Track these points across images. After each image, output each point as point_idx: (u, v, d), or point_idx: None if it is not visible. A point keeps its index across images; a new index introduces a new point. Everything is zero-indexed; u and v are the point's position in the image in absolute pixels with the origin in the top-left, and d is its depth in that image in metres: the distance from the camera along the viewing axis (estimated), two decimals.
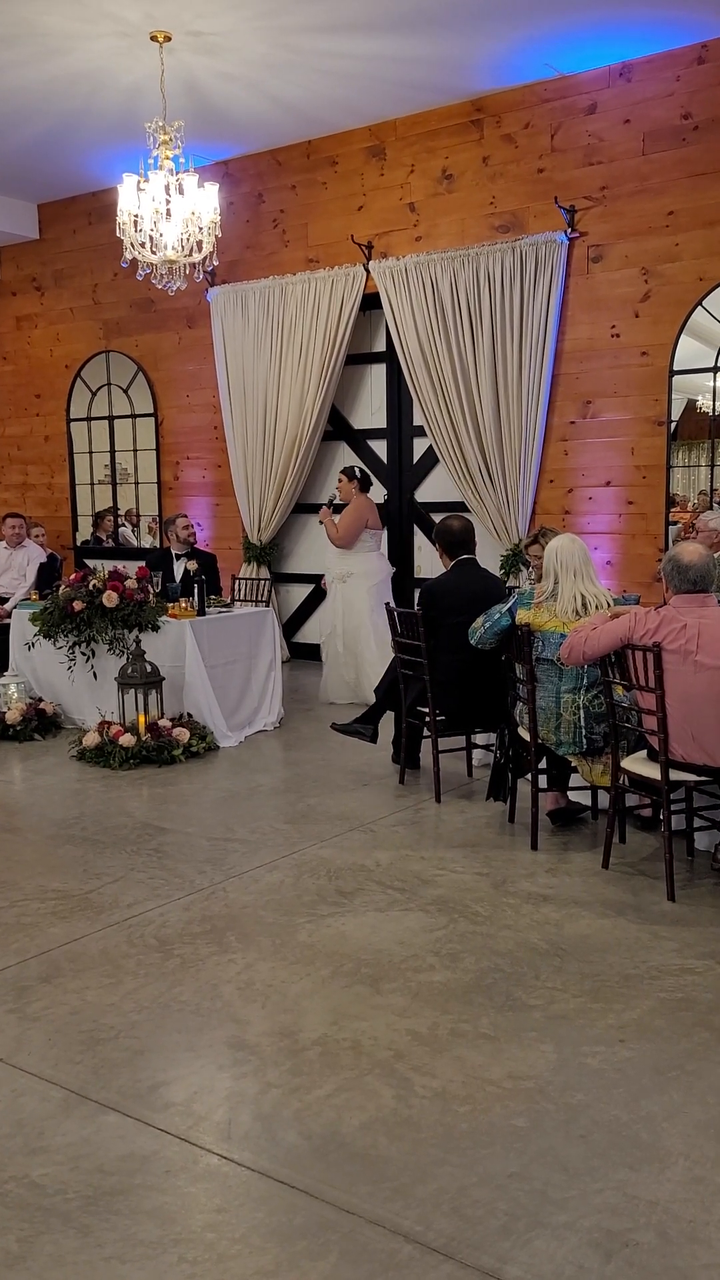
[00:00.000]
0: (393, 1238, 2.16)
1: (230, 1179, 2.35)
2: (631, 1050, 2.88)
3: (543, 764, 4.73)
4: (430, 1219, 2.22)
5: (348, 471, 7.59)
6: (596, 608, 4.46)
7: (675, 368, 7.01)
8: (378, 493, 8.62)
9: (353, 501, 7.42)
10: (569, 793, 4.89)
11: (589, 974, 3.34)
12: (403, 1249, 2.13)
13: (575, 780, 4.82)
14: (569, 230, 7.26)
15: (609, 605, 4.47)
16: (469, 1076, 2.76)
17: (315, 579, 9.01)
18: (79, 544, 10.51)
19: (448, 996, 3.20)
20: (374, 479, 8.03)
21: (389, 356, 8.35)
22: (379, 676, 7.33)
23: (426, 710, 5.29)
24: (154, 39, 6.47)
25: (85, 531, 10.49)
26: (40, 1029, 3.01)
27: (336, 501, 7.50)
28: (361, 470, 7.64)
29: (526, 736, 4.64)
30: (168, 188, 6.42)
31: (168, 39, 6.47)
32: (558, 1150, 2.45)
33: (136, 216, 6.45)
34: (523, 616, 4.60)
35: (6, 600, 8.72)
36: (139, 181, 6.42)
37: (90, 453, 10.33)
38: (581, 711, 4.46)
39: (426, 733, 5.40)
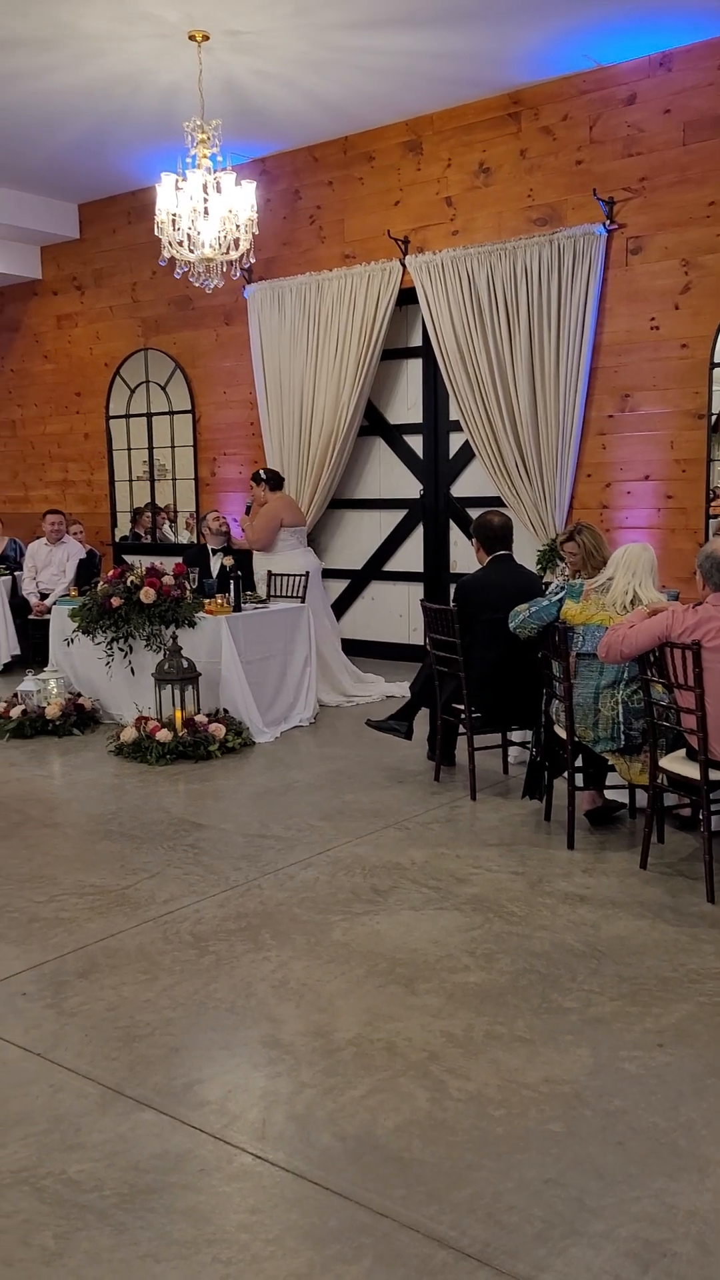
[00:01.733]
0: (427, 1242, 2.16)
1: (264, 1179, 2.35)
2: (670, 1055, 2.85)
3: (579, 762, 4.69)
4: (465, 1224, 2.21)
5: (254, 476, 7.66)
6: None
7: (716, 360, 6.92)
8: (414, 487, 8.61)
9: (268, 502, 7.45)
10: (606, 791, 4.85)
11: (626, 976, 3.31)
12: (437, 1254, 2.13)
13: (613, 779, 4.79)
14: (607, 222, 7.19)
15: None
16: (504, 1080, 2.74)
17: (352, 574, 9.01)
18: (118, 540, 10.58)
19: (483, 998, 3.18)
20: (284, 476, 8.05)
21: (425, 351, 8.32)
22: (340, 667, 7.33)
23: (462, 707, 5.27)
24: (192, 39, 6.48)
25: (124, 528, 10.56)
26: (77, 1025, 3.03)
27: (250, 504, 7.61)
28: (268, 471, 7.69)
29: (563, 734, 4.60)
30: (205, 186, 6.44)
31: (206, 38, 6.48)
32: (594, 1157, 2.43)
33: (174, 215, 6.47)
34: (570, 608, 4.58)
35: (47, 596, 8.81)
36: (177, 180, 6.44)
37: (129, 449, 10.39)
38: (620, 707, 4.42)
39: (462, 730, 5.38)
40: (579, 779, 4.70)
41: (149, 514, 10.35)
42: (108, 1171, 2.37)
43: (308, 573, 7.35)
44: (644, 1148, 2.46)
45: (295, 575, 7.32)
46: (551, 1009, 3.11)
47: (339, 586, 9.13)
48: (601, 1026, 3.01)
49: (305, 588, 7.27)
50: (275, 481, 7.63)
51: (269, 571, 7.47)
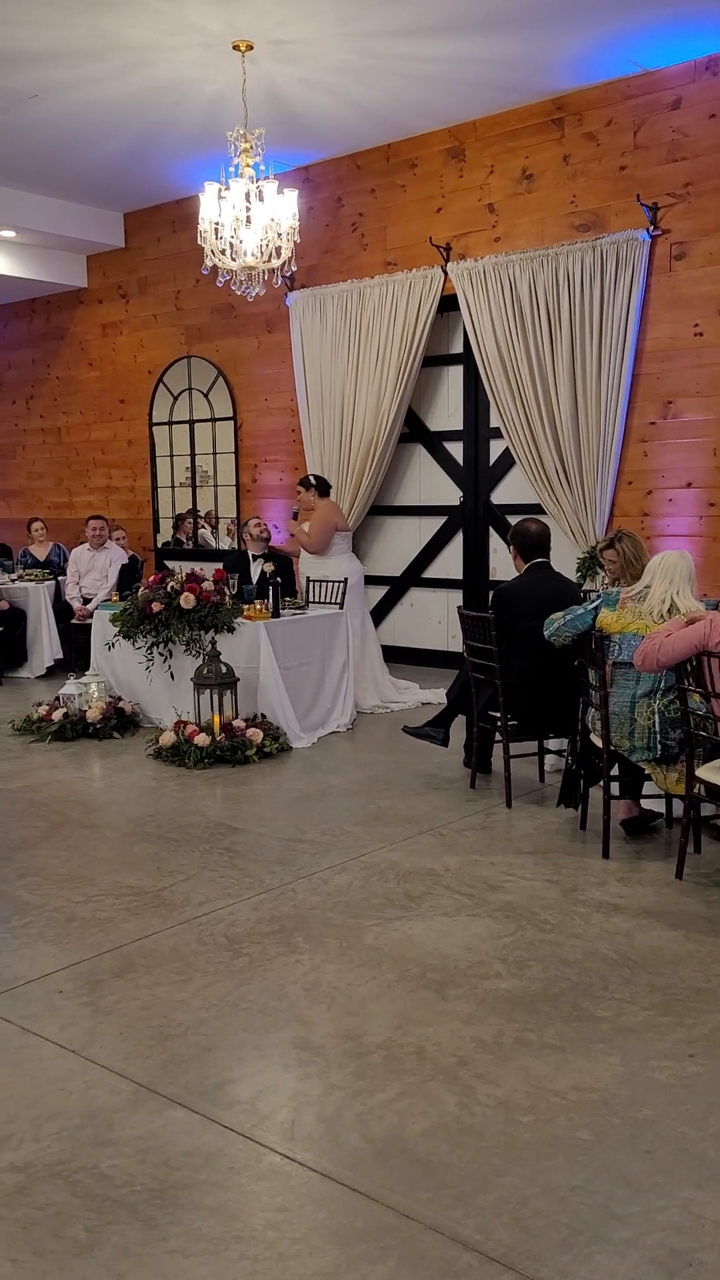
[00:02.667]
0: (452, 1245, 2.17)
1: (292, 1179, 2.37)
2: (701, 1066, 2.84)
3: (615, 771, 4.67)
4: (490, 1228, 2.22)
5: (304, 481, 7.79)
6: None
7: None
8: (454, 494, 8.62)
9: (321, 506, 7.55)
10: (642, 801, 4.83)
11: (659, 986, 3.30)
12: (462, 1257, 2.14)
13: (649, 788, 4.76)
14: (651, 228, 7.16)
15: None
16: (533, 1086, 2.75)
17: (391, 580, 9.04)
18: (160, 546, 10.69)
19: (514, 1005, 3.18)
20: (330, 483, 8.13)
21: (466, 358, 8.33)
22: (373, 679, 7.36)
23: (498, 714, 5.26)
24: (236, 49, 6.55)
25: (166, 533, 10.66)
26: (112, 1023, 3.08)
27: (298, 510, 7.64)
28: (317, 477, 7.81)
29: (599, 743, 4.59)
30: (248, 195, 6.50)
31: (249, 48, 6.55)
32: (622, 1165, 2.43)
33: (217, 224, 6.54)
34: (605, 616, 4.56)
35: (89, 601, 8.93)
36: (220, 189, 6.51)
37: (171, 456, 10.50)
38: (656, 717, 4.40)
39: (498, 737, 5.38)
40: (615, 788, 4.68)
41: (190, 520, 10.45)
42: (139, 1167, 2.41)
43: (346, 579, 7.40)
44: (672, 1157, 2.46)
45: (334, 581, 7.38)
46: (582, 1017, 3.11)
47: (378, 593, 9.15)
48: (632, 1036, 3.00)
49: (344, 593, 7.31)
50: (324, 487, 7.74)
51: (307, 578, 7.54)
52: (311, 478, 7.77)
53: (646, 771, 4.57)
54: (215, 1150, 2.47)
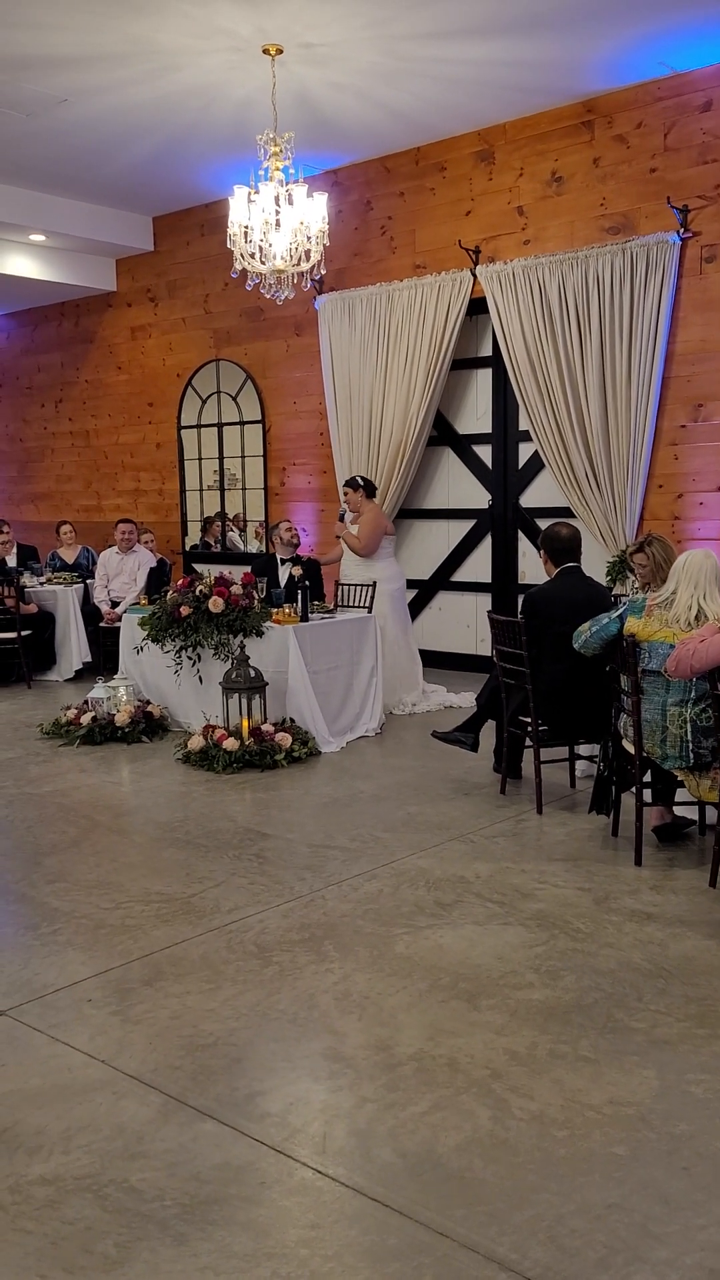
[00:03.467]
0: (487, 1264, 2.13)
1: (324, 1194, 2.35)
2: None
3: (648, 777, 4.62)
4: (526, 1247, 2.18)
5: (351, 482, 7.69)
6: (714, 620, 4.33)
7: None
8: (482, 497, 8.57)
9: (366, 510, 7.53)
10: (675, 808, 4.77)
11: (694, 998, 3.25)
12: (497, 1277, 2.10)
13: (682, 795, 4.70)
14: (681, 230, 7.09)
15: None
16: (568, 1100, 2.70)
17: (420, 583, 9.00)
18: (188, 549, 10.71)
19: (547, 1016, 3.14)
20: (376, 485, 8.09)
21: (495, 361, 8.29)
22: (403, 678, 7.32)
23: (528, 720, 5.22)
24: (265, 52, 6.55)
25: (194, 536, 10.68)
26: (142, 1032, 3.06)
27: (347, 513, 7.57)
28: (364, 479, 7.73)
29: (630, 749, 4.54)
30: (277, 198, 6.49)
31: (279, 52, 6.54)
32: (659, 1182, 2.38)
33: (246, 227, 6.54)
34: (632, 624, 4.50)
35: (117, 604, 8.94)
36: (249, 193, 6.51)
37: (200, 459, 10.52)
38: (688, 725, 4.34)
39: (528, 742, 5.33)
40: (647, 795, 4.63)
41: (219, 523, 10.46)
42: (169, 1181, 2.39)
43: (375, 582, 7.39)
44: (710, 1174, 2.41)
45: (383, 584, 7.36)
46: (617, 1029, 3.06)
47: (407, 596, 9.11)
48: (668, 1048, 2.96)
49: (373, 597, 7.29)
50: (371, 489, 7.71)
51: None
52: (359, 479, 7.68)
53: (679, 778, 4.51)
54: (246, 1164, 2.45)
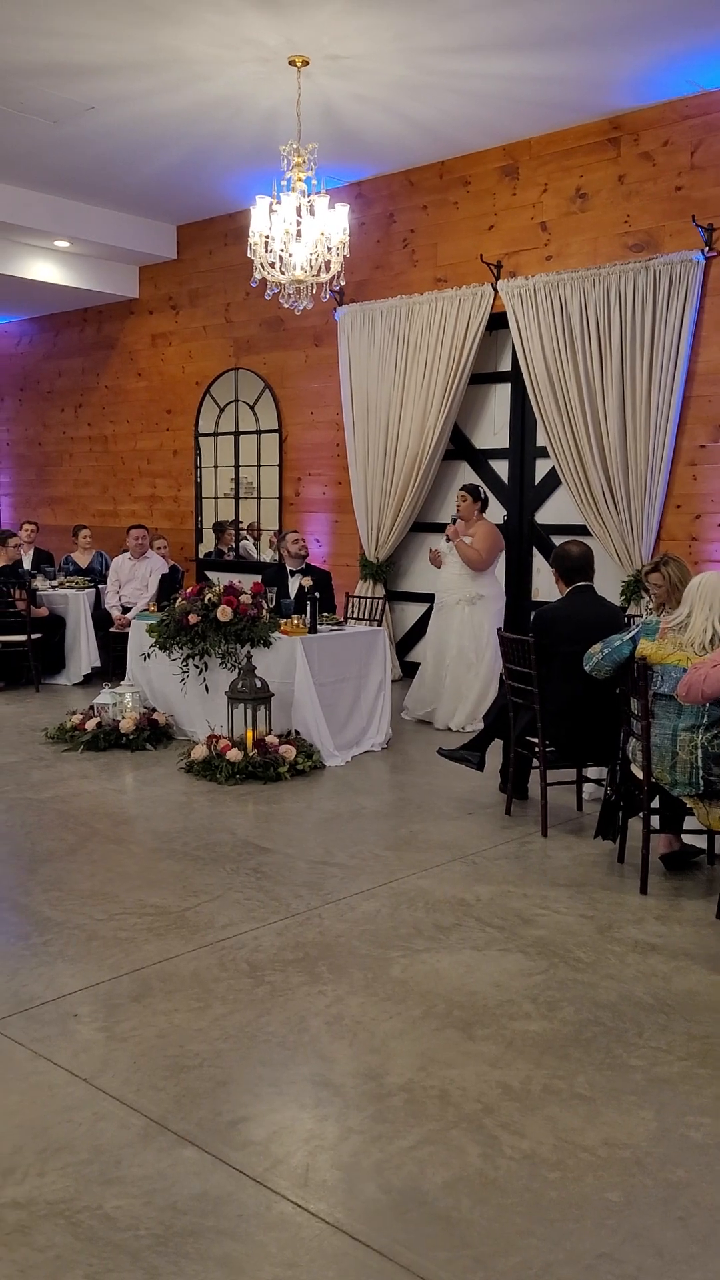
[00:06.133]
0: None
1: (303, 1230, 2.27)
2: None
3: (656, 804, 4.53)
4: None
5: (472, 490, 7.47)
6: None
7: None
8: (497, 513, 8.50)
9: (484, 524, 7.35)
10: (683, 836, 4.67)
11: (697, 1035, 3.15)
12: None
13: (690, 823, 4.60)
14: (706, 249, 7.02)
15: None
16: (561, 1140, 2.62)
17: (431, 598, 8.91)
18: (201, 556, 10.67)
19: (543, 1049, 3.05)
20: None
21: (514, 376, 8.23)
22: (479, 701, 7.22)
23: (536, 740, 5.14)
24: (292, 64, 6.52)
25: (209, 544, 10.64)
26: (126, 1050, 2.99)
27: (458, 518, 7.41)
28: (483, 488, 7.55)
29: (639, 774, 4.45)
30: (299, 209, 6.46)
31: (306, 63, 6.52)
32: (653, 1231, 2.29)
33: (267, 237, 6.51)
34: (645, 647, 4.42)
35: (129, 610, 8.91)
36: (271, 203, 6.47)
37: (216, 467, 10.49)
38: (699, 751, 4.25)
39: (535, 763, 5.25)
40: (655, 821, 4.53)
41: (231, 530, 10.41)
42: (145, 1210, 2.31)
43: (384, 596, 7.32)
44: (707, 1225, 2.32)
45: (486, 597, 7.28)
46: (615, 1065, 2.97)
47: (418, 610, 9.04)
48: (668, 1088, 2.86)
49: (383, 611, 7.21)
50: (486, 502, 7.52)
51: (477, 595, 7.30)
52: (479, 488, 7.48)
53: (688, 805, 4.41)
54: (225, 1195, 2.37)
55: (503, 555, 7.57)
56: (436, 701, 7.36)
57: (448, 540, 7.41)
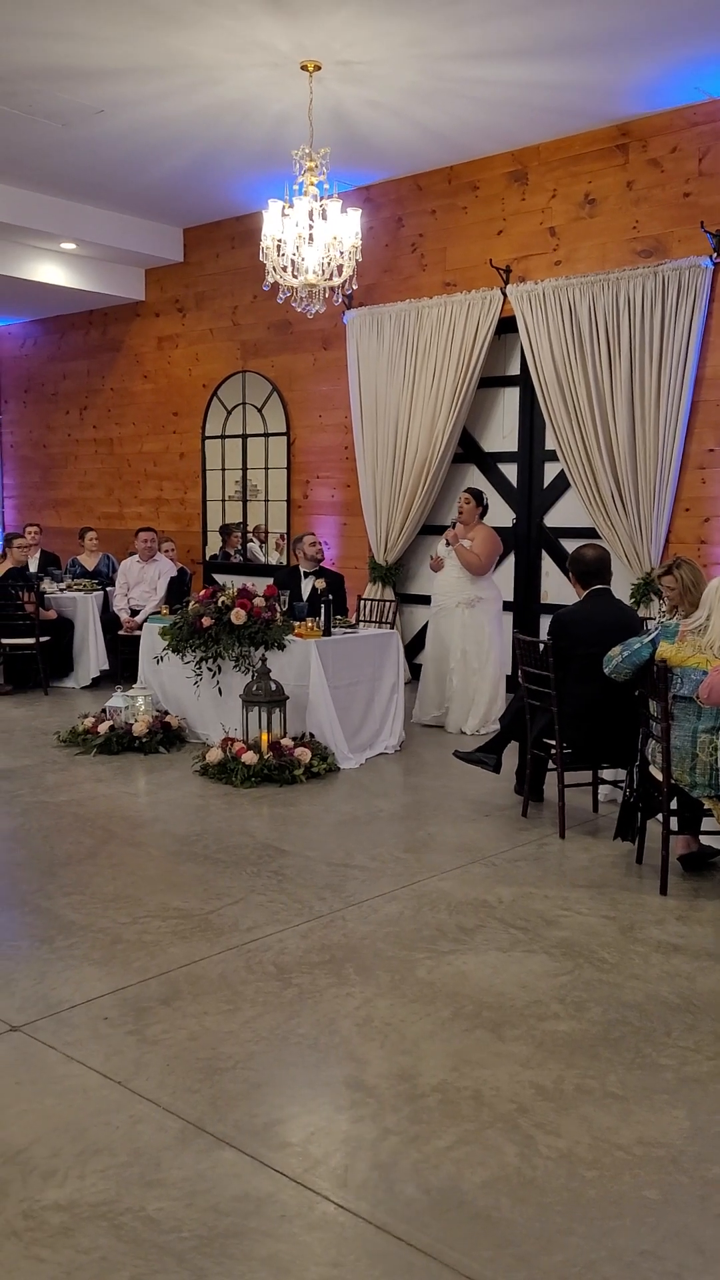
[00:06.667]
0: None
1: (346, 1230, 2.28)
2: None
3: (674, 805, 4.54)
4: None
5: (475, 494, 7.50)
6: None
7: None
8: (507, 516, 8.52)
9: (483, 528, 7.38)
10: (702, 837, 4.69)
11: None
12: None
13: (709, 824, 4.62)
14: (714, 255, 7.05)
15: None
16: (596, 1139, 2.63)
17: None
18: (208, 559, 10.68)
19: (573, 1049, 3.07)
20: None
21: (523, 380, 8.25)
22: (491, 702, 7.25)
23: (552, 742, 5.15)
24: (303, 68, 6.54)
25: (215, 546, 10.65)
26: (159, 1054, 3.00)
27: (458, 522, 7.44)
28: (485, 496, 7.60)
29: (658, 775, 4.46)
30: (311, 213, 6.47)
31: (317, 68, 6.53)
32: (693, 1229, 2.31)
33: (280, 241, 6.52)
34: (664, 649, 4.44)
35: (137, 613, 8.92)
36: (284, 207, 6.49)
37: (223, 469, 10.50)
38: (719, 753, 4.26)
39: (552, 765, 5.26)
40: (674, 822, 4.55)
41: (238, 533, 10.42)
42: (187, 1211, 2.32)
43: (395, 599, 7.33)
44: None
45: (485, 598, 7.29)
46: (645, 1065, 2.99)
47: (426, 614, 9.04)
48: (698, 1087, 2.88)
49: (395, 614, 7.23)
50: (487, 506, 7.57)
51: (477, 597, 7.33)
52: (483, 494, 7.54)
53: (707, 806, 4.43)
54: (266, 1196, 2.38)
55: (500, 559, 7.62)
56: (446, 704, 7.38)
57: (447, 544, 7.45)
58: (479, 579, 7.31)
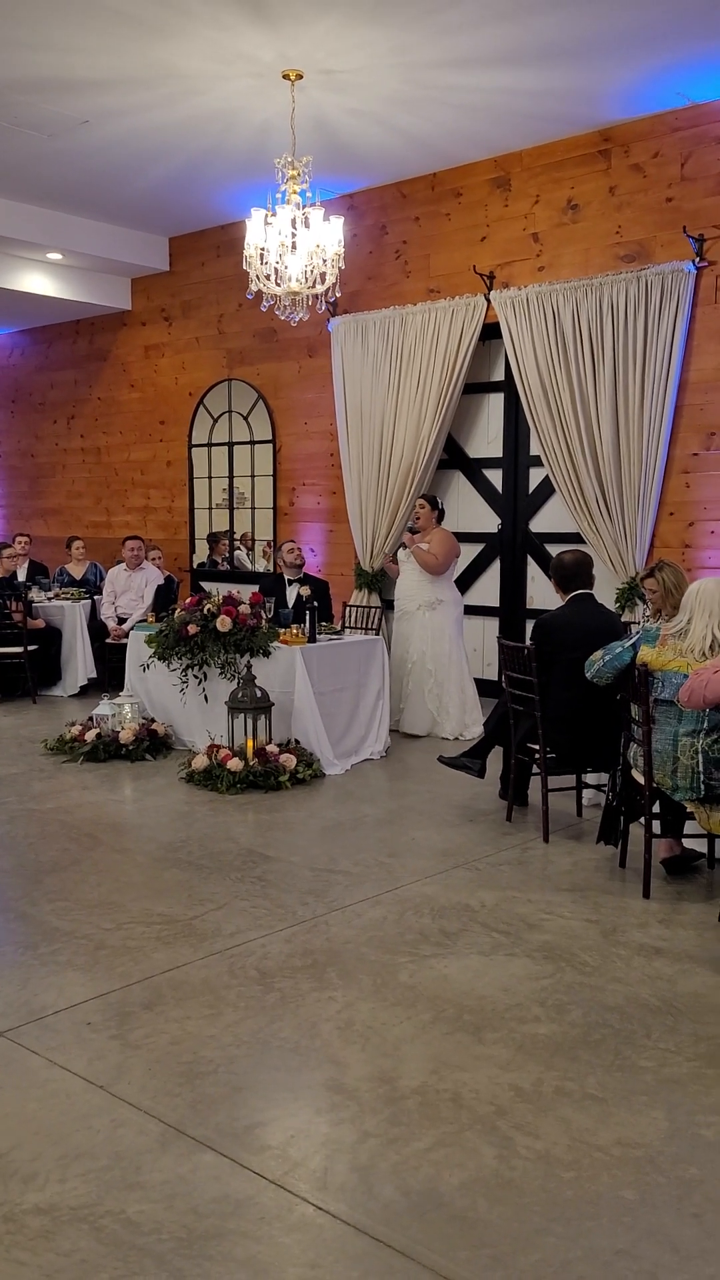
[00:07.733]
0: None
1: (325, 1231, 2.29)
2: None
3: (657, 808, 4.57)
4: None
5: (430, 500, 7.68)
6: None
7: None
8: (492, 521, 8.56)
9: (440, 531, 7.52)
10: (685, 840, 4.72)
11: (704, 1036, 3.19)
12: None
13: (691, 827, 4.65)
14: (697, 260, 7.10)
15: None
16: (574, 1140, 2.65)
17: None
18: (195, 566, 10.70)
19: (553, 1051, 3.09)
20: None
21: (507, 385, 8.29)
22: (463, 706, 7.30)
23: (536, 747, 5.18)
24: (286, 78, 6.57)
25: (202, 554, 10.67)
26: (141, 1058, 3.01)
27: (415, 527, 7.55)
28: (439, 500, 7.72)
29: (640, 779, 4.49)
30: (294, 221, 6.51)
31: (300, 77, 6.57)
32: (668, 1228, 2.33)
33: (263, 249, 6.55)
34: (645, 654, 4.47)
35: (124, 621, 8.92)
36: (266, 215, 6.52)
37: (209, 477, 10.52)
38: (700, 756, 4.29)
39: (535, 770, 5.29)
40: (656, 826, 4.58)
41: (225, 540, 10.44)
42: (166, 1214, 2.34)
43: (380, 605, 7.37)
44: None
45: (445, 602, 7.36)
46: (625, 1067, 3.01)
47: None
48: (678, 1088, 2.90)
49: (380, 620, 7.26)
50: (443, 513, 7.70)
51: (437, 600, 7.42)
52: (439, 499, 7.72)
53: (689, 810, 4.46)
54: (245, 1198, 2.40)
55: (456, 560, 7.75)
56: (402, 705, 7.41)
57: (404, 547, 7.56)
58: (438, 580, 7.43)
